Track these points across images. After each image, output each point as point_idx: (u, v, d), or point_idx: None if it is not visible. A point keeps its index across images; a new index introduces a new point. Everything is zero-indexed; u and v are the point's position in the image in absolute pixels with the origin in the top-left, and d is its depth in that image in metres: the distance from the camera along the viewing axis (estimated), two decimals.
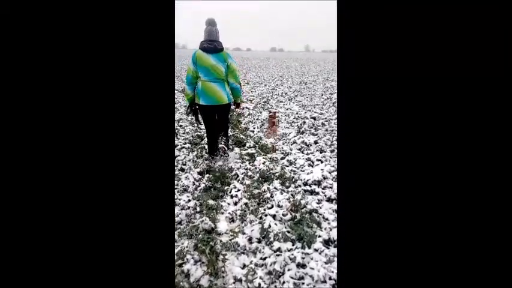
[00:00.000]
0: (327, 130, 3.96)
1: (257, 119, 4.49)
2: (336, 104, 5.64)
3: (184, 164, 2.83)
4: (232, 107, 2.86)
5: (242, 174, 2.54)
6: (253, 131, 3.93)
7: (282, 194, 2.21)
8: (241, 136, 3.59)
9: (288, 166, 2.76)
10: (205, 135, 3.28)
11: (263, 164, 2.77)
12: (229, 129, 3.48)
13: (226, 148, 2.78)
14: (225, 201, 2.18)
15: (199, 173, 2.59)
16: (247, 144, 3.32)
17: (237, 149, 3.16)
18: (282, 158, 2.97)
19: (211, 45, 2.31)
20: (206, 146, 3.06)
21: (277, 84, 8.93)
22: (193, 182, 2.42)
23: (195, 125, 3.76)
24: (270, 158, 2.91)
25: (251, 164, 2.79)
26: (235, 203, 2.15)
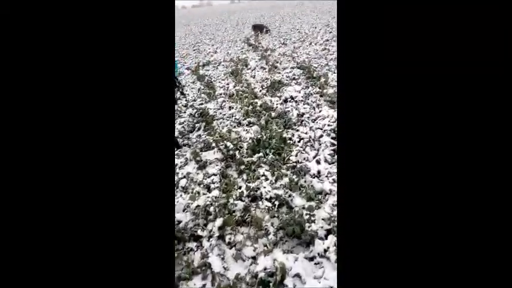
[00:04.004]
0: None
1: (320, 138, 2.28)
2: None
3: None
4: None
5: None
6: (318, 176, 1.82)
7: None
8: (302, 203, 1.53)
9: None
10: None
11: None
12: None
13: None
14: None
15: None
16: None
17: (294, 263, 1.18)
18: None
19: None
20: None
21: (327, 40, 6.18)
22: None
23: None
24: None
25: None
26: None
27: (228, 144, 2.27)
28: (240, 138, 2.43)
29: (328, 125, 2.42)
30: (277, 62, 4.81)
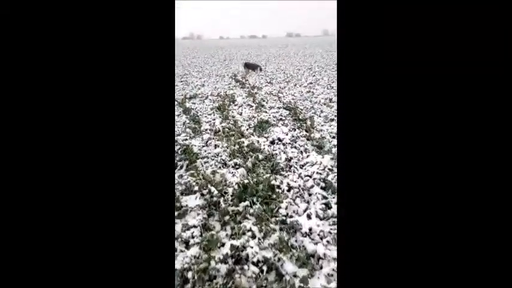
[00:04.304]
0: None
1: (311, 188, 2.18)
2: None
3: None
4: None
5: None
6: (310, 234, 1.67)
7: None
8: (293, 269, 1.34)
9: None
10: None
11: None
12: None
13: None
14: None
15: None
16: None
17: None
18: None
19: None
20: None
21: (311, 83, 6.49)
22: None
23: None
24: None
25: None
26: None
27: (212, 189, 2.09)
28: (225, 182, 2.26)
29: (318, 173, 2.34)
30: (264, 101, 4.88)
